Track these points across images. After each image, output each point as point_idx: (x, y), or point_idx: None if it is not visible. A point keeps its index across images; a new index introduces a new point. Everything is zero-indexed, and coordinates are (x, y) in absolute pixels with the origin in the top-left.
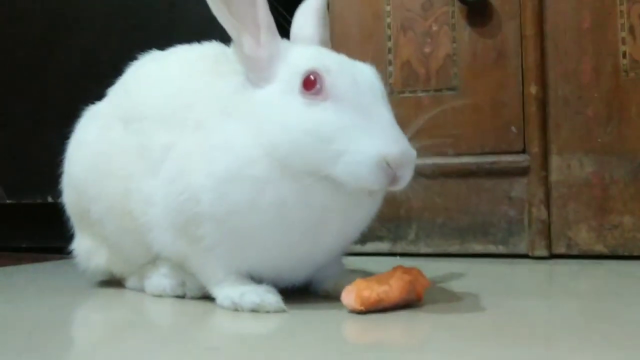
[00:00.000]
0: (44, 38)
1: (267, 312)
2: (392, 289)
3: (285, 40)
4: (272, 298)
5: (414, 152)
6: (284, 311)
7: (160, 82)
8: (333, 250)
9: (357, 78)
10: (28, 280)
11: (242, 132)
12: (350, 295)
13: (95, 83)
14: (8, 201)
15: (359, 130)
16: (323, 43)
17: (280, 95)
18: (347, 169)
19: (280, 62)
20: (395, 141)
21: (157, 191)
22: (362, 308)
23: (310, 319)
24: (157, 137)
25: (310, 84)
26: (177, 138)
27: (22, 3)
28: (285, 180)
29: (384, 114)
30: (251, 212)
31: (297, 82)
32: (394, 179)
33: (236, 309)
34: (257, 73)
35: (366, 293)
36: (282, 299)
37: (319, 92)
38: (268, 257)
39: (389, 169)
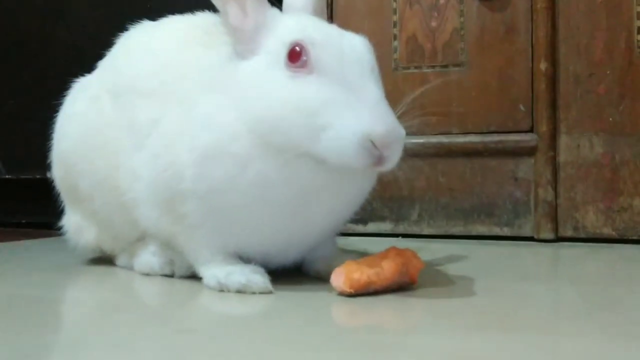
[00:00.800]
0: (43, 13)
1: (253, 292)
2: (384, 271)
3: (275, 10)
4: (258, 279)
5: (402, 131)
6: (270, 292)
7: (147, 55)
8: (323, 230)
9: (344, 51)
10: (22, 257)
11: (225, 107)
12: (339, 278)
13: (95, 58)
14: (7, 176)
15: (343, 106)
16: (317, 13)
17: (265, 68)
18: (329, 145)
19: (267, 33)
20: (381, 119)
21: (142, 166)
22: (352, 291)
23: (298, 300)
24: (144, 110)
25: (295, 56)
26: (163, 112)
27: None
28: (267, 157)
29: (371, 90)
30: (233, 190)
31: (283, 54)
32: (379, 159)
33: (222, 289)
34: (243, 44)
35: (356, 275)
36: (271, 280)
37: (304, 65)
38: (254, 236)
39: (373, 148)
